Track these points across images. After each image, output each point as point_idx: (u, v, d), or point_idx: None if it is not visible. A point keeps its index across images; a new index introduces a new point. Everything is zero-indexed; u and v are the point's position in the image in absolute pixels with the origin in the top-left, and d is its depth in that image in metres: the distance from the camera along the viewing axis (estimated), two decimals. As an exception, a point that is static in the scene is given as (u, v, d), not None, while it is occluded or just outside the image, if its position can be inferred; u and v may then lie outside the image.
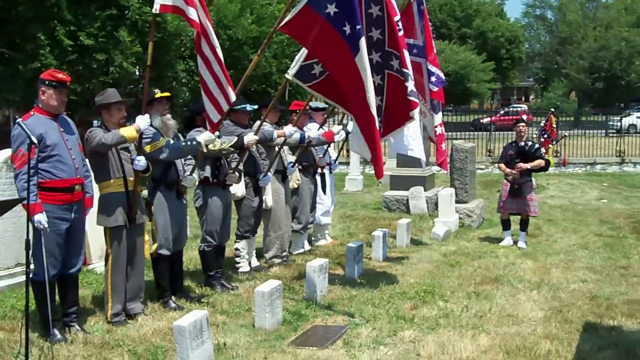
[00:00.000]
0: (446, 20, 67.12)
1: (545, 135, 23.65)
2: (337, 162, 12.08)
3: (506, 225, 11.93)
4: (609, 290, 8.75)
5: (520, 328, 7.13)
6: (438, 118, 10.94)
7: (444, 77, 10.70)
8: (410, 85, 8.22)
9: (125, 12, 18.85)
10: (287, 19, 7.77)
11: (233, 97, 7.34)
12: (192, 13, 6.94)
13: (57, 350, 6.16)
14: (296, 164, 10.06)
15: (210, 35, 7.18)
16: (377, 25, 8.24)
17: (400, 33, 8.36)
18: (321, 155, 10.97)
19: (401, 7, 9.40)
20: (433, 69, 10.36)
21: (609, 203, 18.23)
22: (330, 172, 11.69)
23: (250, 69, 7.86)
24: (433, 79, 10.35)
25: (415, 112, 8.35)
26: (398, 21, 8.40)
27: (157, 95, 7.59)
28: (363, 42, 7.49)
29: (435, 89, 10.48)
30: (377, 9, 8.22)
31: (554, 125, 24.22)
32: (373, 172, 26.66)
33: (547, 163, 11.79)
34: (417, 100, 8.35)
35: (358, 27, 7.48)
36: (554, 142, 24.80)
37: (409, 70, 8.25)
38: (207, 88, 7.26)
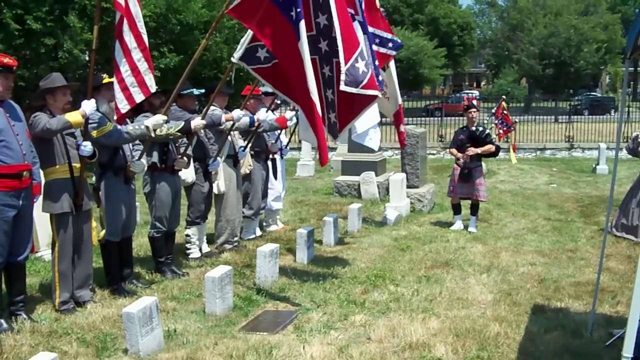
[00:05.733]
0: (399, 6, 67.31)
1: (497, 121, 23.92)
2: (288, 148, 12.05)
3: (457, 209, 12.03)
4: (557, 273, 8.88)
5: (470, 311, 7.21)
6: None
7: (399, 41, 10.55)
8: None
9: (74, -4, 18.55)
10: (235, 2, 7.66)
11: (153, 89, 7.12)
12: None
13: (4, 340, 6.04)
14: (247, 149, 10.00)
15: (138, 22, 6.99)
16: (323, 9, 7.66)
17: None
18: (273, 141, 10.94)
19: None
20: (389, 36, 10.16)
21: (557, 188, 18.52)
22: (282, 158, 11.67)
23: (198, 52, 7.70)
24: (390, 44, 10.17)
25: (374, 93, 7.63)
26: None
27: (104, 81, 7.41)
28: (302, 26, 7.26)
29: (394, 53, 10.29)
30: None
31: (505, 111, 24.45)
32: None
33: (497, 148, 11.89)
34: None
35: (299, 10, 7.30)
36: (509, 128, 25.05)
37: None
38: (119, 75, 6.97)
